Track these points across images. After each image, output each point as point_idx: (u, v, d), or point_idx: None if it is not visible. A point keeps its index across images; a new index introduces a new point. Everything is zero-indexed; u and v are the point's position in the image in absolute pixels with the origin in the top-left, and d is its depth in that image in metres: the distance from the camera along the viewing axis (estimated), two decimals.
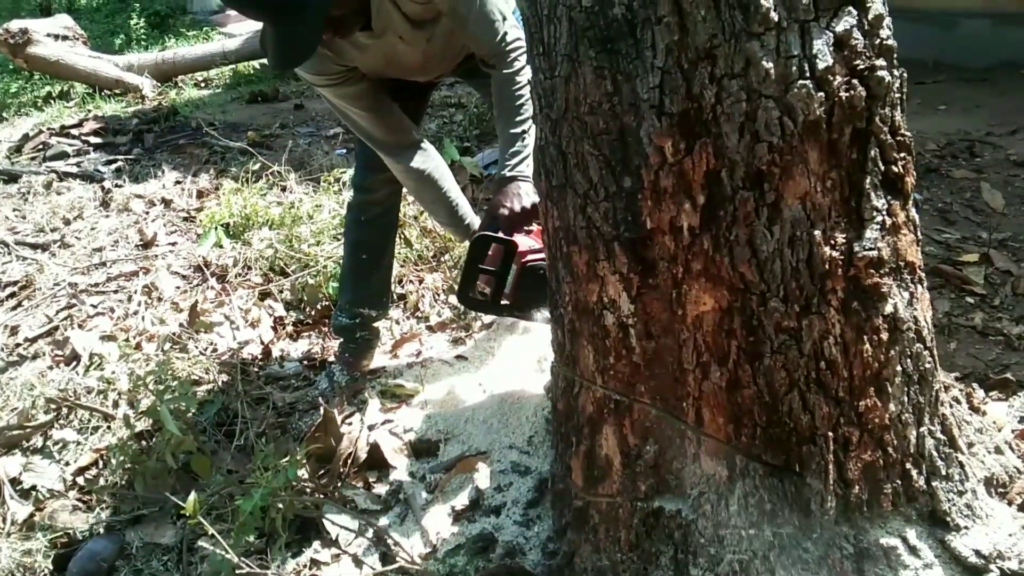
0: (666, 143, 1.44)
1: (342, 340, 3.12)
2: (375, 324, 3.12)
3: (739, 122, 1.39)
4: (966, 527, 1.61)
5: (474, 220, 2.92)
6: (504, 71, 2.50)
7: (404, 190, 2.99)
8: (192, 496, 1.70)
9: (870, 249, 1.47)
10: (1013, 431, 2.27)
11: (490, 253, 2.35)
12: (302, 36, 2.07)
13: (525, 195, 2.40)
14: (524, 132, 2.47)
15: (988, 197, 4.11)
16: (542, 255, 2.27)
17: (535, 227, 2.44)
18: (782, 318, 1.47)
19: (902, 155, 1.51)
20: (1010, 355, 2.84)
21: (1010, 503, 1.81)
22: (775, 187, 1.42)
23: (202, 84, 8.63)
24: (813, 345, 1.48)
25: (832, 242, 1.45)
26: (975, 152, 4.73)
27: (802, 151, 1.41)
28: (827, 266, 1.45)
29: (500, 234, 2.34)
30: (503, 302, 2.39)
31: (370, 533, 1.98)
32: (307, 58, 2.14)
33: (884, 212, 1.50)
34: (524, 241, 2.37)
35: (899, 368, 1.55)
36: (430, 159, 2.76)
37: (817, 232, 1.44)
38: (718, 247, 1.47)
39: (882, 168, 1.49)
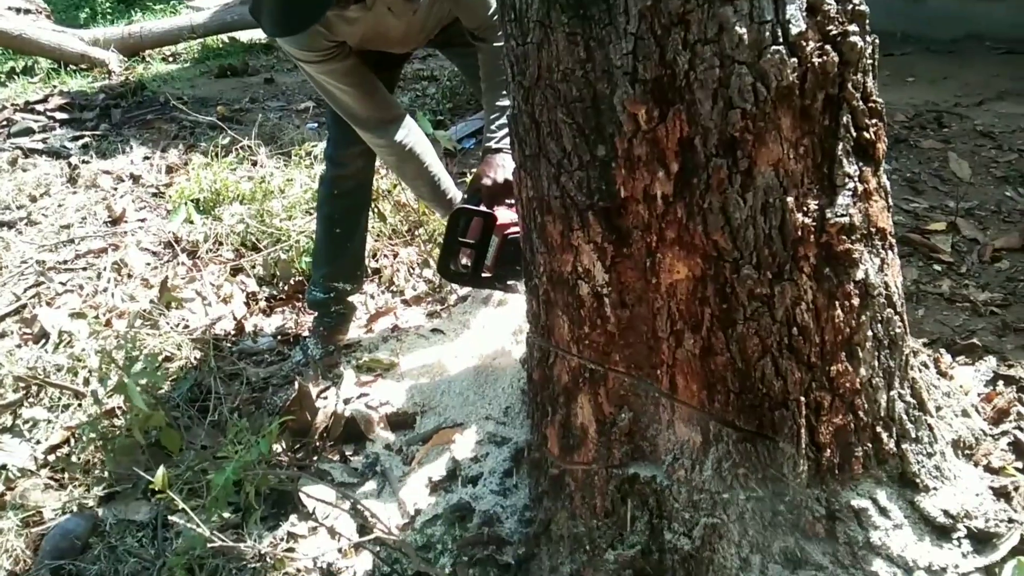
0: (639, 110, 1.43)
1: (316, 315, 3.10)
2: (350, 298, 3.10)
3: (712, 88, 1.39)
4: (935, 488, 1.63)
5: (456, 194, 2.89)
6: (495, 44, 2.48)
7: (377, 163, 2.97)
8: (161, 471, 1.68)
9: (842, 215, 1.48)
10: (979, 395, 2.31)
11: (471, 226, 2.35)
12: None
13: (508, 168, 2.37)
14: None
15: (955, 167, 4.14)
16: (509, 223, 2.30)
17: None
18: (755, 285, 1.48)
19: (874, 121, 1.52)
20: (976, 321, 2.88)
21: (976, 464, 1.84)
22: (748, 154, 1.42)
23: (170, 58, 8.50)
24: (785, 311, 1.49)
25: (804, 209, 1.46)
26: (942, 123, 4.77)
27: (775, 117, 1.41)
28: (799, 232, 1.46)
29: (481, 207, 2.34)
30: (484, 274, 2.39)
31: (347, 505, 1.98)
32: (315, 21, 2.09)
33: (856, 178, 1.50)
34: (505, 214, 2.36)
35: (870, 333, 1.56)
36: (412, 134, 2.73)
37: (790, 199, 1.44)
38: (691, 215, 1.47)
39: (854, 134, 1.49)
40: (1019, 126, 4.60)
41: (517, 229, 2.26)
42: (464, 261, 2.40)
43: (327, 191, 2.97)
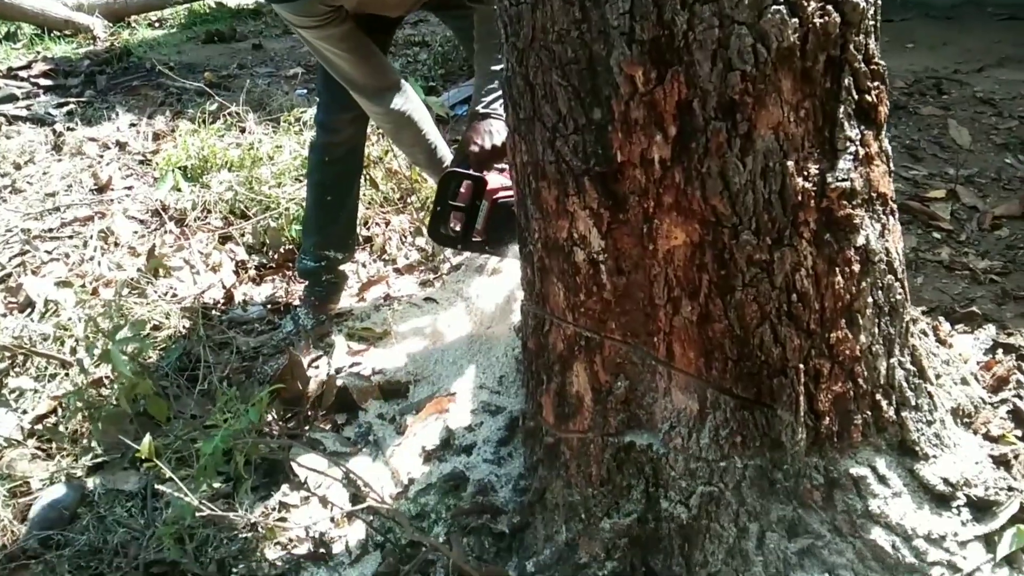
0: (637, 72, 1.41)
1: (307, 283, 3.08)
2: (341, 267, 3.07)
3: (711, 49, 1.37)
4: (934, 456, 1.63)
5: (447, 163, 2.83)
6: (491, 5, 2.41)
7: (369, 129, 2.94)
8: (147, 439, 1.67)
9: (843, 180, 1.46)
10: (978, 363, 2.31)
11: (461, 190, 2.36)
12: None
13: (497, 132, 2.36)
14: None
15: (955, 134, 4.13)
16: (499, 187, 2.30)
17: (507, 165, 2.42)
18: (754, 251, 1.46)
19: (875, 84, 1.50)
20: (976, 289, 2.88)
21: (975, 433, 1.84)
22: (748, 117, 1.40)
23: (156, 24, 8.40)
24: (785, 278, 1.48)
25: (805, 173, 1.44)
26: (942, 89, 4.75)
27: (775, 80, 1.39)
28: (800, 197, 1.44)
29: (470, 171, 2.33)
30: (475, 239, 2.40)
31: (339, 474, 1.97)
32: None
33: (857, 142, 1.49)
34: (495, 178, 2.35)
35: (870, 300, 1.55)
36: (410, 100, 2.68)
37: (790, 163, 1.43)
38: (690, 180, 1.45)
39: (856, 97, 1.47)
40: (1020, 93, 4.58)
41: (507, 193, 2.28)
42: (454, 225, 2.40)
43: (318, 158, 2.92)
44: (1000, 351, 2.36)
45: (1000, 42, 5.52)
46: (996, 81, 4.82)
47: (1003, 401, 2.06)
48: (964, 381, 2.00)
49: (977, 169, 3.76)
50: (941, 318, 2.50)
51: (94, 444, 2.38)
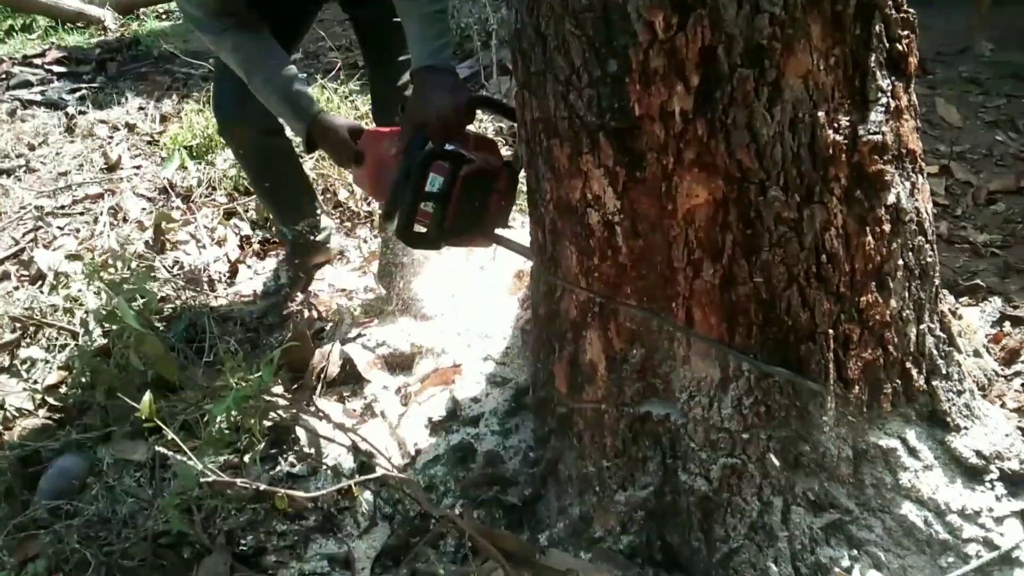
0: (657, 17, 1.23)
1: (288, 245, 2.89)
2: (318, 226, 2.86)
3: None
4: (965, 427, 1.48)
5: (315, 110, 2.22)
6: None
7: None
8: (147, 397, 1.48)
9: (875, 133, 1.30)
10: (987, 336, 2.16)
11: (435, 174, 1.79)
12: None
13: (455, 87, 1.88)
14: (442, 11, 1.97)
15: (944, 112, 3.96)
16: (476, 163, 1.82)
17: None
18: (782, 208, 1.29)
19: (906, 33, 1.34)
20: (977, 262, 2.73)
21: (990, 404, 1.68)
22: (776, 64, 1.23)
23: (163, 16, 8.17)
24: (814, 237, 1.31)
25: (836, 125, 1.27)
26: (927, 70, 4.56)
27: (805, 24, 1.22)
28: (830, 151, 1.28)
29: (440, 148, 1.81)
30: (449, 229, 1.84)
31: (347, 443, 1.80)
32: None
33: (888, 94, 1.32)
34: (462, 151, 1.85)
35: (901, 262, 1.39)
36: (256, 41, 2.21)
37: (820, 114, 1.26)
38: (713, 133, 1.28)
39: (887, 46, 1.31)
40: (1004, 72, 4.40)
41: (472, 168, 1.82)
42: (423, 220, 1.83)
43: (233, 150, 2.66)
44: (1008, 323, 2.23)
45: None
46: (980, 62, 4.64)
47: (1016, 374, 1.94)
48: (976, 353, 1.85)
49: (968, 146, 3.59)
50: (945, 291, 2.35)
51: (104, 413, 2.23)
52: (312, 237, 2.82)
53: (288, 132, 2.55)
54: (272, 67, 2.20)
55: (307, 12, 2.67)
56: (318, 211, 2.88)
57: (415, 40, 1.98)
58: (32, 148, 4.28)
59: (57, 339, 2.59)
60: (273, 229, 3.21)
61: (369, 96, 3.06)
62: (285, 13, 2.41)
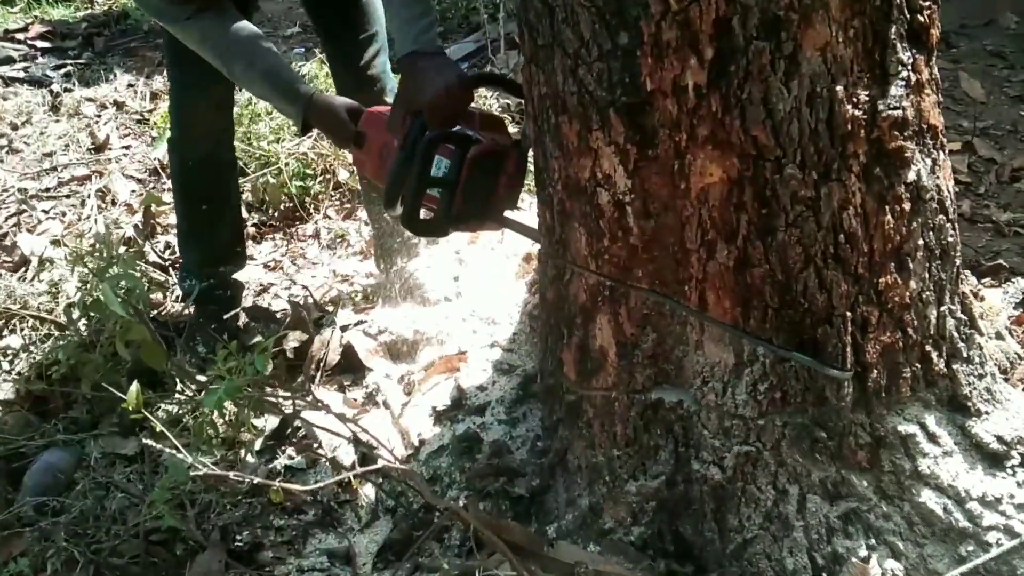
0: None
1: (196, 306, 2.57)
2: (234, 276, 2.63)
3: None
4: (986, 412, 1.49)
5: (305, 89, 2.15)
6: None
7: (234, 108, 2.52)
8: (134, 387, 1.49)
9: (895, 108, 1.30)
10: (1009, 317, 2.17)
11: (441, 157, 1.77)
12: None
13: (443, 72, 1.80)
14: None
15: (967, 86, 3.95)
16: (484, 143, 1.79)
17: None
18: (799, 186, 1.30)
19: (928, 3, 1.34)
20: (1000, 241, 2.74)
21: (1012, 388, 1.69)
22: (793, 36, 1.24)
23: None
24: (832, 216, 1.32)
25: (855, 100, 1.28)
26: (951, 43, 4.55)
27: None
28: (849, 127, 1.28)
29: (440, 130, 1.77)
30: (458, 213, 1.83)
31: (348, 434, 1.81)
32: None
33: (909, 67, 1.32)
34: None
35: (921, 242, 1.40)
36: (232, 19, 2.09)
37: (839, 88, 1.26)
38: (728, 108, 1.28)
39: (907, 17, 1.31)
40: None
41: (480, 149, 1.79)
42: (430, 205, 1.83)
43: (180, 161, 2.44)
44: None
45: None
46: (1005, 34, 4.63)
47: None
48: (999, 336, 1.85)
49: (992, 122, 3.59)
50: (967, 272, 2.35)
51: (91, 406, 2.23)
52: (227, 293, 2.59)
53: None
54: (251, 50, 2.09)
55: None
56: (244, 254, 2.71)
57: (396, 25, 1.90)
58: (15, 128, 4.25)
59: (40, 328, 2.58)
60: (270, 211, 3.21)
61: None
62: None
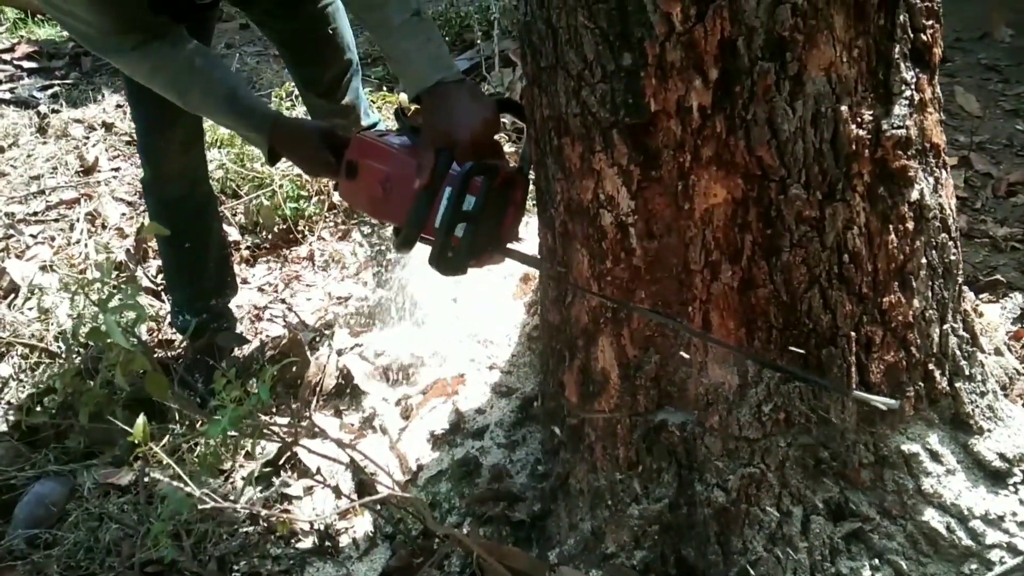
0: (674, 8, 1.25)
1: (191, 341, 2.50)
2: (227, 306, 2.60)
3: None
4: (989, 430, 1.50)
5: (266, 112, 2.01)
6: None
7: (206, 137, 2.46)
8: (140, 420, 1.49)
9: (898, 127, 1.32)
10: (1007, 332, 2.19)
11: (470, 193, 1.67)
12: None
13: (479, 100, 1.68)
14: (416, 13, 1.71)
15: (963, 100, 3.98)
16: (504, 171, 1.71)
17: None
18: (803, 207, 1.31)
19: (931, 23, 1.37)
20: (997, 257, 2.75)
21: (1012, 404, 1.71)
22: (798, 57, 1.25)
23: None
24: (836, 236, 1.34)
25: (859, 119, 1.29)
26: (946, 57, 4.56)
27: (827, 14, 1.25)
28: (853, 147, 1.30)
29: (472, 162, 1.66)
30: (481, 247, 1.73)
31: (346, 460, 1.81)
32: None
33: (912, 86, 1.34)
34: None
35: (924, 260, 1.42)
36: (184, 43, 1.93)
37: (843, 108, 1.28)
38: (732, 129, 1.30)
39: (911, 36, 1.34)
40: None
41: (503, 176, 1.71)
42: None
43: (155, 201, 2.33)
44: None
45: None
46: (999, 48, 4.67)
47: None
48: (998, 351, 1.87)
49: (988, 136, 3.62)
50: (965, 287, 2.37)
51: (84, 435, 2.22)
52: (223, 325, 2.55)
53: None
54: (207, 75, 1.94)
55: (209, 19, 2.31)
56: (235, 283, 2.65)
57: (407, 58, 1.72)
58: (1, 150, 4.23)
59: (31, 357, 2.57)
60: (264, 233, 3.21)
61: (368, 90, 3.03)
62: (190, 18, 2.06)
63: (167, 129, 2.19)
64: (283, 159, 2.04)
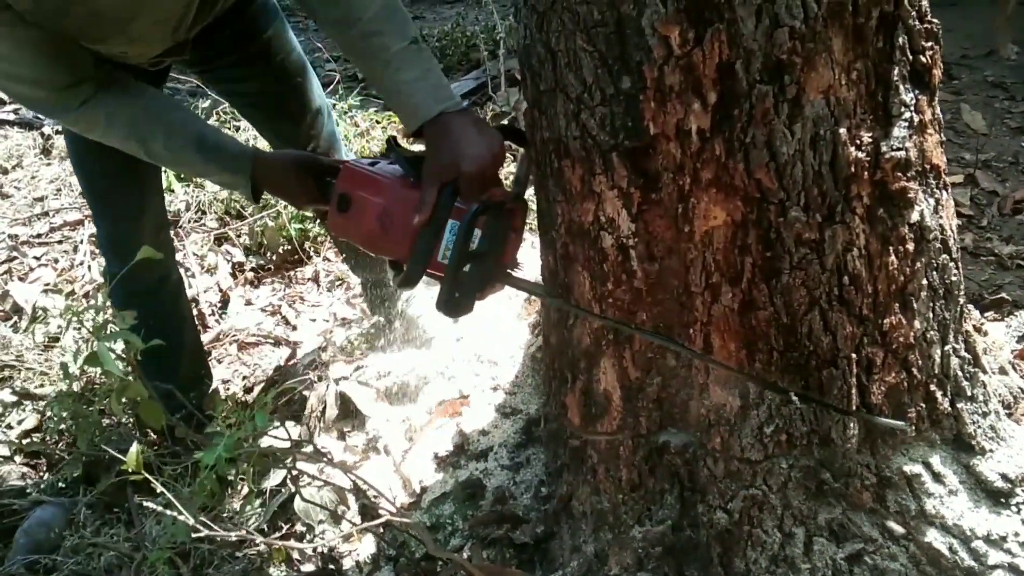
0: (672, 32, 1.27)
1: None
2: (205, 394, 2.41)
3: (756, 4, 1.23)
4: (991, 450, 1.51)
5: (249, 151, 1.90)
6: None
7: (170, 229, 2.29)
8: (134, 448, 1.51)
9: (898, 149, 1.34)
10: (1012, 351, 2.19)
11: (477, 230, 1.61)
12: None
13: (484, 132, 1.61)
14: (415, 41, 1.66)
15: (969, 118, 4.00)
16: (507, 203, 1.65)
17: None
18: (803, 229, 1.33)
19: (930, 44, 1.38)
20: (1003, 275, 2.77)
21: (1016, 424, 1.71)
22: (796, 80, 1.27)
23: None
24: (836, 258, 1.35)
25: (858, 142, 1.31)
26: (952, 75, 4.62)
27: (826, 37, 1.26)
28: (852, 169, 1.31)
29: (476, 198, 1.61)
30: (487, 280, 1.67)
31: (348, 484, 1.82)
32: None
33: (912, 108, 1.36)
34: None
35: (925, 282, 1.43)
36: (137, 89, 1.82)
37: (842, 130, 1.30)
38: (732, 152, 1.31)
39: (910, 58, 1.35)
40: None
41: (508, 207, 1.65)
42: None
43: (121, 294, 1.97)
44: None
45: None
46: (1006, 65, 4.70)
47: None
48: (1002, 370, 1.87)
49: (994, 153, 3.63)
50: (970, 306, 2.38)
51: (83, 459, 2.23)
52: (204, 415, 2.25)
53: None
54: (169, 119, 1.82)
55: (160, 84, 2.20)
56: (210, 375, 2.54)
57: (407, 89, 1.65)
58: (5, 172, 4.29)
59: (33, 380, 2.59)
60: (268, 255, 3.23)
61: (370, 111, 3.04)
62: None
63: (131, 222, 2.08)
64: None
